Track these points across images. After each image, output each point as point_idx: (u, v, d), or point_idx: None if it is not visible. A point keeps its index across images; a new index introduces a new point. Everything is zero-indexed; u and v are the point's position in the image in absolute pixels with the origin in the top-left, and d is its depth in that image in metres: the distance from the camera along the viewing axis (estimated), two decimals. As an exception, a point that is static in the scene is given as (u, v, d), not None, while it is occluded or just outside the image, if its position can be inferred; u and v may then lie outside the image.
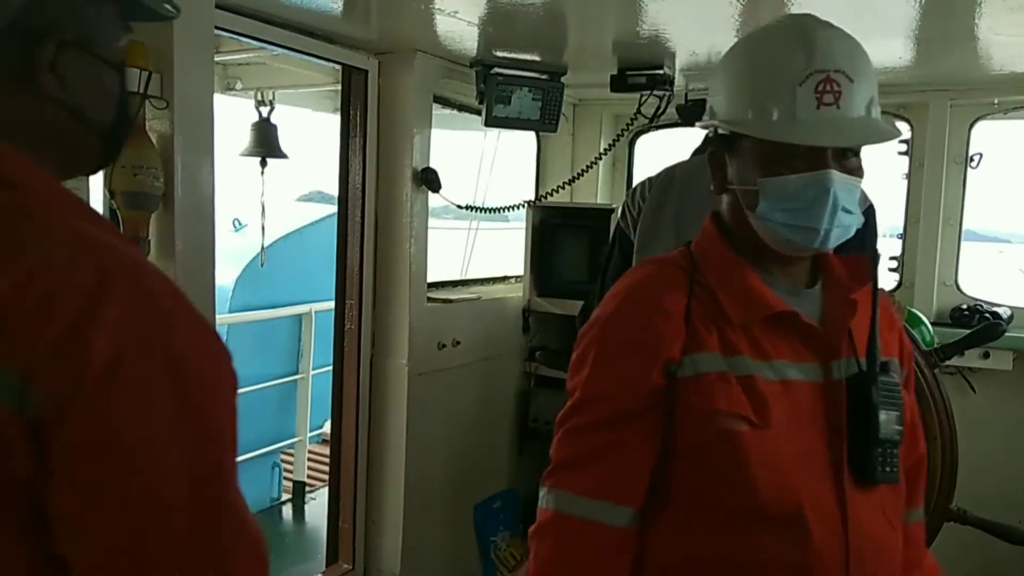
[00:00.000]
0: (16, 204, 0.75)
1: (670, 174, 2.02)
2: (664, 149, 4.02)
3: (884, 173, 3.44)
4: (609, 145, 3.50)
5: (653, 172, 2.09)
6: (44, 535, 0.69)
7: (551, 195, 3.57)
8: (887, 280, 3.34)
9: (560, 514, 1.19)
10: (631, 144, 4.04)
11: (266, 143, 3.66)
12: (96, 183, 2.10)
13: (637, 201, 2.04)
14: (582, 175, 3.52)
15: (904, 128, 3.40)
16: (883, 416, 1.12)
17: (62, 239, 0.73)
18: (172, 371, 0.71)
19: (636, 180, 4.05)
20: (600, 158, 3.50)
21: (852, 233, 1.16)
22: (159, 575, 0.72)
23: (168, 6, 0.89)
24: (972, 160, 3.31)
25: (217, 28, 2.31)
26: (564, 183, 3.57)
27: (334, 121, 3.08)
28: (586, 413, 1.19)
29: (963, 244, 3.39)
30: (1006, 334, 3.12)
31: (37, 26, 0.79)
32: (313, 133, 4.20)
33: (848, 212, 1.13)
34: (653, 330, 1.16)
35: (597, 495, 1.17)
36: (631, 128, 3.37)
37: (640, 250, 1.98)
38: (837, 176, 1.11)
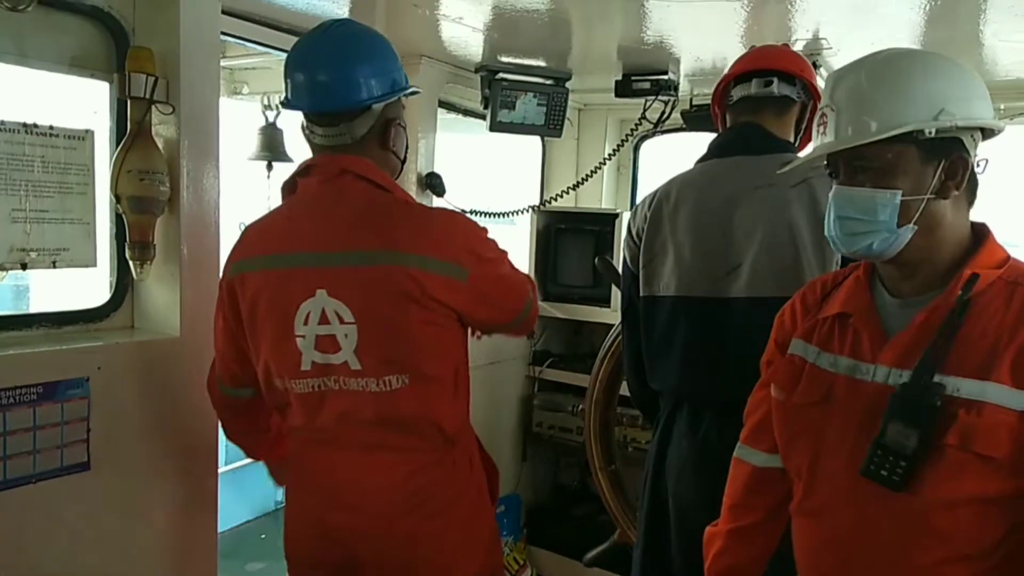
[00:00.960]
0: (395, 199, 1.67)
1: (667, 188, 2.00)
2: (669, 154, 4.01)
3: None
4: (613, 150, 3.50)
5: (655, 185, 2.08)
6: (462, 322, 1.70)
7: (555, 200, 3.58)
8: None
9: (734, 456, 1.58)
10: (636, 149, 4.04)
11: (272, 147, 3.67)
12: (102, 188, 2.12)
13: (638, 223, 2.02)
14: (585, 180, 3.52)
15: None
16: (892, 426, 1.20)
17: (429, 212, 1.78)
18: (489, 243, 1.71)
19: (641, 185, 4.07)
20: (604, 163, 3.50)
21: (884, 239, 1.23)
22: (513, 301, 1.77)
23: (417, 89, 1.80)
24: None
25: (223, 34, 2.32)
26: (567, 188, 3.57)
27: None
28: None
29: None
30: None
31: (391, 117, 1.70)
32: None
33: (853, 219, 1.26)
34: (780, 318, 1.51)
35: (745, 441, 1.55)
36: (635, 133, 3.36)
37: (646, 267, 1.96)
38: (836, 189, 1.29)
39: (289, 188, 1.72)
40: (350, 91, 1.61)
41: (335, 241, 1.61)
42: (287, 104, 1.68)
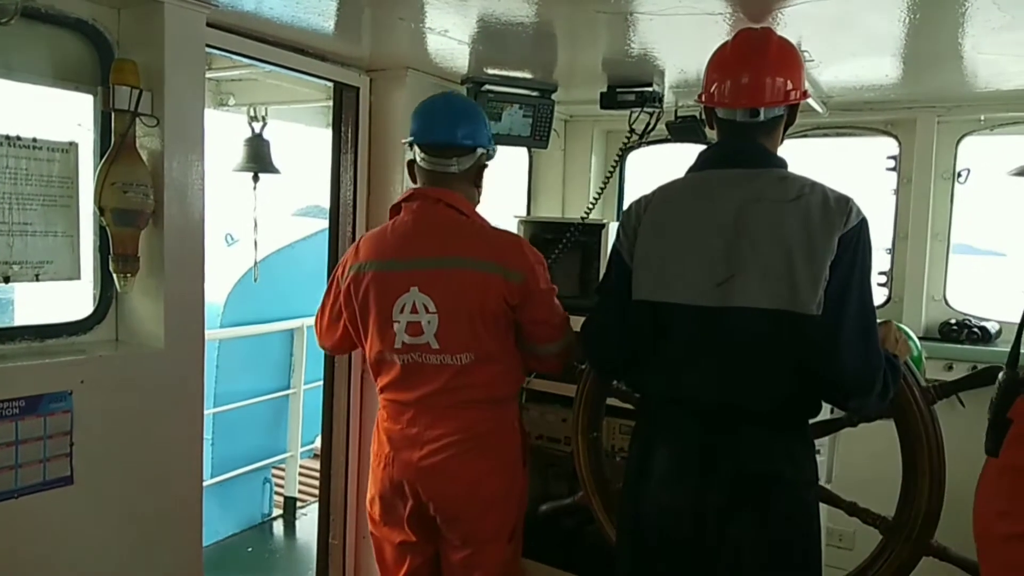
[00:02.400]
0: (472, 222, 2.23)
1: (664, 193, 1.99)
2: (654, 164, 4.04)
3: (873, 189, 3.48)
4: (615, 161, 3.48)
5: (645, 190, 2.06)
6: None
7: (588, 214, 3.48)
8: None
9: None
10: (621, 159, 4.06)
11: (258, 158, 3.68)
12: (86, 200, 2.11)
13: (632, 222, 2.00)
14: (603, 190, 3.46)
15: (892, 144, 3.44)
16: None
17: (496, 234, 2.25)
18: (540, 266, 2.23)
19: (627, 195, 4.08)
20: (611, 175, 3.45)
21: None
22: (555, 319, 2.29)
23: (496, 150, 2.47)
24: (960, 176, 3.35)
25: (209, 46, 2.32)
26: (593, 200, 3.50)
27: (329, 136, 3.10)
28: None
29: (960, 258, 3.41)
30: (993, 349, 3.14)
31: (482, 164, 2.30)
32: (310, 147, 4.22)
33: None
34: None
35: None
36: (628, 144, 3.36)
37: (637, 269, 1.96)
38: None
39: (395, 210, 2.29)
40: (474, 138, 2.25)
41: (427, 251, 2.18)
42: (420, 136, 2.24)
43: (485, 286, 2.15)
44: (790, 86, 1.91)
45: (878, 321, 1.89)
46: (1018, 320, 1.59)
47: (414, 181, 2.33)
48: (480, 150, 2.27)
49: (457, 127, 2.23)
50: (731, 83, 1.92)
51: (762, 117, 1.89)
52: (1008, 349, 1.58)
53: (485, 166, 2.33)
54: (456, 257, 2.17)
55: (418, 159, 2.25)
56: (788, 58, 1.95)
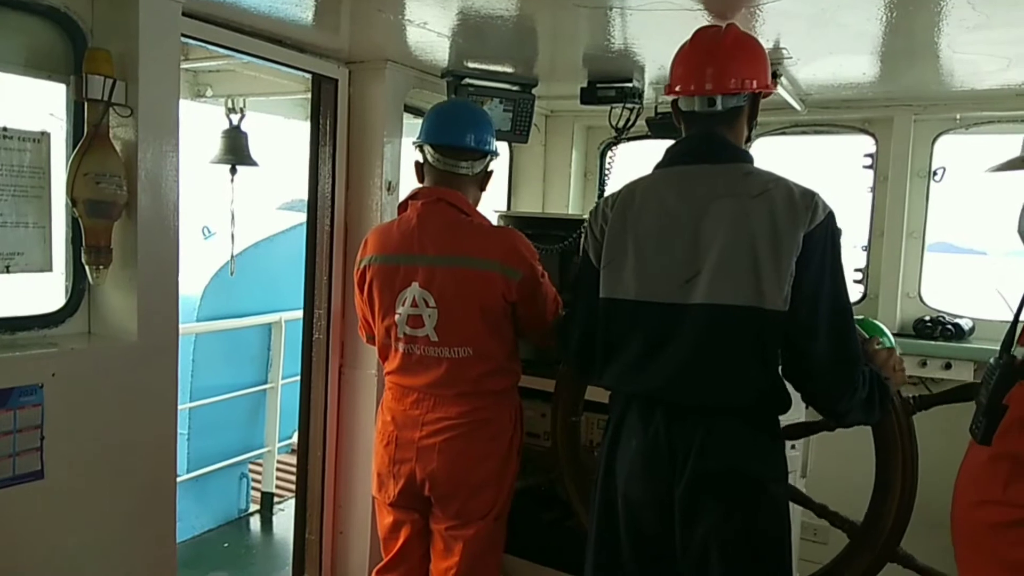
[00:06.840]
0: (472, 221, 2.32)
1: (631, 191, 1.99)
2: (636, 158, 4.04)
3: (850, 186, 3.51)
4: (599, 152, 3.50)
5: (618, 186, 2.06)
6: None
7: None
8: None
9: None
10: (602, 155, 4.07)
11: (236, 151, 3.64)
12: (59, 191, 2.08)
13: (600, 221, 2.00)
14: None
15: (869, 142, 3.47)
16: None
17: (495, 232, 2.34)
18: (536, 261, 2.35)
19: (608, 191, 4.09)
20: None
21: None
22: (549, 314, 2.36)
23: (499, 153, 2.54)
24: (935, 174, 3.38)
25: (185, 36, 2.29)
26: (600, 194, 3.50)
27: (308, 128, 3.07)
28: None
29: (941, 257, 3.44)
30: (967, 345, 3.18)
31: (490, 169, 2.44)
32: (293, 140, 4.18)
33: None
34: None
35: None
36: (616, 140, 3.37)
37: (606, 267, 1.96)
38: None
39: (403, 207, 2.40)
40: (486, 143, 2.38)
41: (428, 248, 2.28)
42: (435, 138, 2.34)
43: (484, 283, 2.25)
44: (748, 77, 1.90)
45: (885, 347, 1.90)
46: (993, 316, 1.59)
47: (421, 181, 2.41)
48: (490, 155, 2.40)
49: (472, 131, 2.35)
50: (689, 73, 1.94)
51: (719, 107, 1.89)
52: (981, 346, 1.59)
53: (492, 171, 2.45)
54: (456, 255, 2.26)
55: (430, 160, 2.35)
56: (746, 50, 1.94)
